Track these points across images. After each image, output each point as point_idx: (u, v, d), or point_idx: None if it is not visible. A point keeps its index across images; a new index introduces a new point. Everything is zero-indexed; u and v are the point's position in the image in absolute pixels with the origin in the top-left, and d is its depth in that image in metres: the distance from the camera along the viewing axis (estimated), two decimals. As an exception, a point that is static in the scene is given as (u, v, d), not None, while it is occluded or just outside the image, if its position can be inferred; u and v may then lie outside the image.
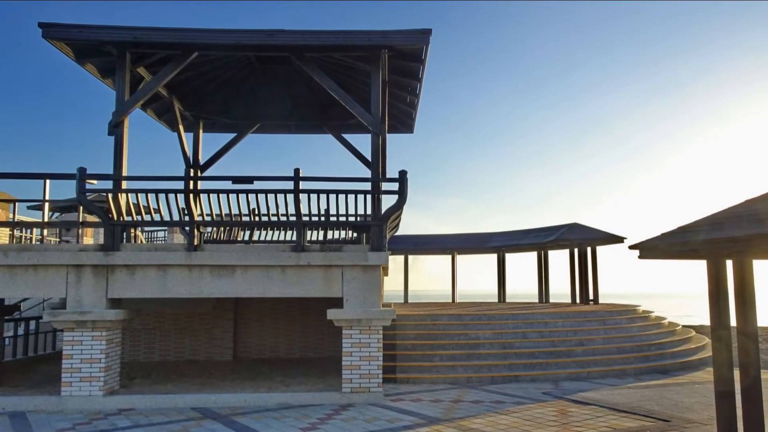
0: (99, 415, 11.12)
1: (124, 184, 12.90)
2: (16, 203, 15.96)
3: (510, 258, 30.46)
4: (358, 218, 14.53)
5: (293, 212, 12.98)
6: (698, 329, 21.74)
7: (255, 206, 14.15)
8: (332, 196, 12.89)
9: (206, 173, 18.24)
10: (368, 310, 12.29)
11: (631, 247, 9.68)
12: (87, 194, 12.37)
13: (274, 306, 18.60)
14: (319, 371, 15.10)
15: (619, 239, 23.74)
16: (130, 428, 10.00)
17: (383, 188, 13.13)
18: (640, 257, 9.66)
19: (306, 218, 13.63)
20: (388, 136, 17.42)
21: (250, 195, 13.23)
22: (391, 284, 26.79)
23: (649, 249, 9.31)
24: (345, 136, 18.78)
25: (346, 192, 12.88)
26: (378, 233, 12.69)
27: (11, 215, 17.83)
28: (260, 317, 18.60)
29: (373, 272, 12.51)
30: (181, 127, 17.32)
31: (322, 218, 14.57)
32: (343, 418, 10.54)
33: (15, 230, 20.70)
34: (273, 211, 14.51)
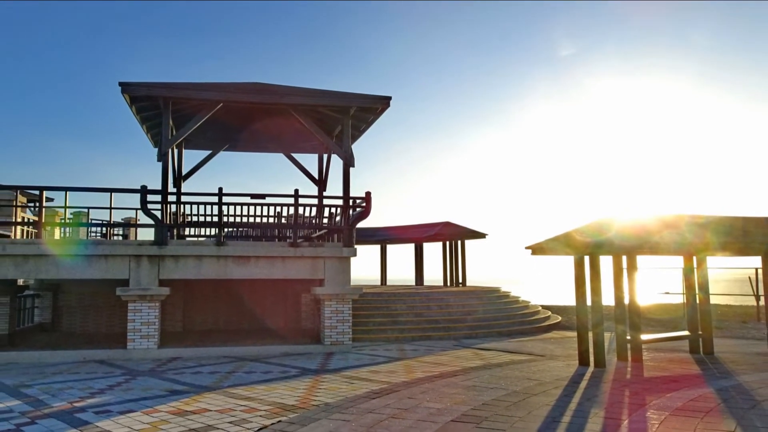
0: (161, 360, 12.43)
1: (170, 197, 14.20)
2: (89, 210, 17.10)
3: (391, 249, 31.16)
4: (335, 223, 16.31)
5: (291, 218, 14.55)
6: (546, 307, 24.15)
7: (265, 213, 15.78)
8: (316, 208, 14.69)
9: (188, 182, 18.80)
10: (342, 288, 14.25)
11: (527, 248, 11.15)
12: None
13: (273, 286, 18.39)
14: (308, 333, 16.49)
15: (481, 235, 25.60)
16: (195, 367, 11.42)
17: (351, 203, 14.97)
18: (532, 254, 11.15)
19: (300, 222, 15.13)
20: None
21: (262, 207, 14.85)
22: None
23: (539, 248, 10.87)
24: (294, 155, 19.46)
25: (329, 206, 14.82)
26: (348, 234, 14.70)
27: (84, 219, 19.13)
28: (262, 296, 18.43)
29: (345, 261, 14.45)
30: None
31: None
32: (338, 358, 12.48)
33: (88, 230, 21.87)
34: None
